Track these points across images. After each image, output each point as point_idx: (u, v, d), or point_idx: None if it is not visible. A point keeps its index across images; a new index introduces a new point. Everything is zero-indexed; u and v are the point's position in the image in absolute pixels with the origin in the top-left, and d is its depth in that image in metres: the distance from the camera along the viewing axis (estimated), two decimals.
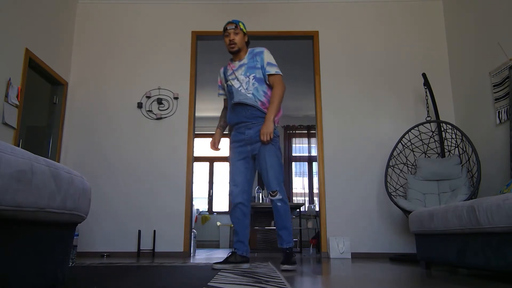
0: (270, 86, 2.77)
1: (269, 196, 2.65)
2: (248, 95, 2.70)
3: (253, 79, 2.73)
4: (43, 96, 4.51)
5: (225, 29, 2.82)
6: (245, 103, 2.70)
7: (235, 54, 2.84)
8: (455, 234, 2.21)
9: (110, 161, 4.32)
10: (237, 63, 2.83)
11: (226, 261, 2.65)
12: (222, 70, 2.95)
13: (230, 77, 2.82)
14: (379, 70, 4.54)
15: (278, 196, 2.62)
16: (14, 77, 3.51)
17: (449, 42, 4.53)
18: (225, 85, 2.87)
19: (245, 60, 2.80)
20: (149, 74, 4.55)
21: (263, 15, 4.68)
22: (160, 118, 4.43)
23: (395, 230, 4.16)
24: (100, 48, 4.61)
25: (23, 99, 3.66)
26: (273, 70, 2.74)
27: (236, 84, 2.76)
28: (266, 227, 5.38)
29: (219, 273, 2.23)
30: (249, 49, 2.86)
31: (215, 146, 2.92)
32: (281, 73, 2.75)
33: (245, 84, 2.72)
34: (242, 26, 2.83)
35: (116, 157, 4.33)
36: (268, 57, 2.78)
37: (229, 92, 2.83)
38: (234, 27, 2.79)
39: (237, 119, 2.75)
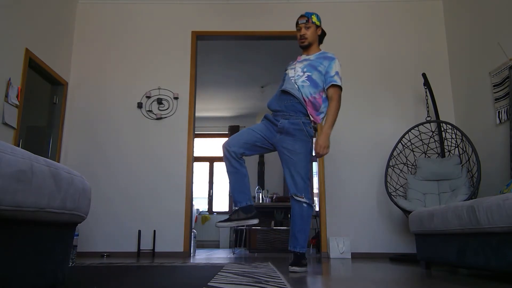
0: (323, 95, 2.66)
1: (294, 196, 2.53)
2: (296, 86, 2.63)
3: (306, 77, 2.64)
4: (43, 96, 4.51)
5: (296, 23, 2.77)
6: (290, 92, 2.63)
7: (305, 49, 2.78)
8: (455, 234, 2.21)
9: (110, 161, 4.32)
10: (303, 56, 2.78)
11: (229, 219, 2.52)
12: (290, 63, 2.86)
13: (290, 67, 2.78)
14: (379, 70, 4.54)
15: (305, 199, 2.52)
16: (14, 77, 3.51)
17: (449, 42, 4.53)
18: (284, 73, 2.81)
19: (311, 57, 2.73)
20: (149, 74, 4.55)
21: (263, 15, 4.68)
22: (160, 118, 4.42)
23: (395, 230, 4.16)
24: (100, 48, 4.61)
25: (23, 99, 3.66)
26: (339, 82, 2.64)
27: (291, 73, 2.71)
28: (266, 227, 5.38)
29: (219, 273, 2.23)
30: (322, 51, 2.78)
31: None
32: (342, 88, 2.66)
33: (297, 77, 2.66)
34: (315, 19, 2.76)
35: (116, 157, 4.33)
36: (337, 67, 2.67)
37: (282, 80, 2.77)
38: (305, 21, 2.73)
39: (278, 107, 2.66)
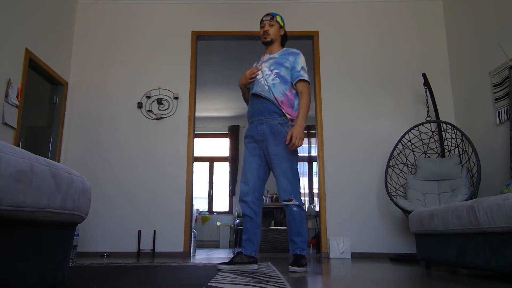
0: (293, 90, 2.69)
1: (284, 202, 2.56)
2: (266, 87, 2.64)
3: (275, 75, 2.65)
4: (43, 96, 4.51)
5: (261, 20, 2.80)
6: (260, 95, 2.64)
7: (267, 46, 2.80)
8: (455, 234, 2.21)
9: (110, 161, 4.32)
10: (267, 56, 2.80)
11: (231, 261, 2.56)
12: (255, 64, 2.89)
13: None
14: (379, 70, 4.54)
15: (295, 202, 2.53)
16: (14, 77, 3.51)
17: (449, 42, 4.53)
18: None
19: (275, 55, 2.75)
20: (149, 74, 4.55)
21: (263, 15, 4.67)
22: (160, 118, 4.43)
23: (395, 230, 4.16)
24: (100, 48, 4.61)
25: (23, 99, 3.66)
26: (306, 76, 2.68)
27: (259, 75, 2.72)
28: (266, 227, 5.38)
29: (219, 273, 2.23)
30: (285, 48, 2.82)
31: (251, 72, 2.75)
32: (309, 82, 2.70)
33: (266, 76, 2.67)
34: (279, 19, 2.80)
35: (116, 157, 4.33)
36: (302, 61, 2.72)
37: (251, 84, 2.78)
38: (269, 18, 2.77)
39: (252, 112, 2.69)
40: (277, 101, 2.61)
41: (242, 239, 2.66)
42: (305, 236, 2.56)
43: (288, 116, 2.63)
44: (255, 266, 2.59)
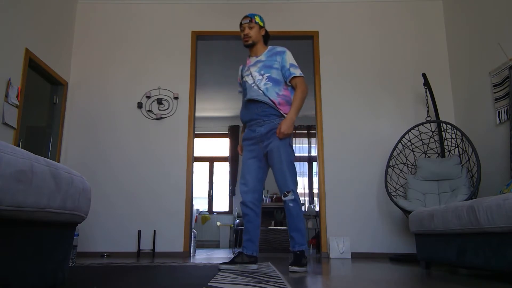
0: (290, 87, 2.72)
1: (282, 196, 2.60)
2: (260, 91, 2.65)
3: (266, 79, 2.67)
4: (43, 96, 4.51)
5: (240, 24, 2.79)
6: (257, 99, 2.65)
7: (251, 49, 2.80)
8: (455, 234, 2.21)
9: (110, 161, 4.32)
10: (253, 59, 2.79)
11: (232, 261, 2.58)
12: (241, 67, 2.91)
13: (245, 73, 2.78)
14: (379, 70, 4.54)
15: (290, 196, 2.56)
16: (14, 77, 3.51)
17: (449, 42, 4.53)
18: (241, 81, 2.84)
19: (262, 57, 2.75)
20: (149, 74, 4.55)
21: (263, 15, 4.68)
22: (160, 118, 4.43)
23: (395, 230, 4.16)
24: (100, 48, 4.61)
25: (23, 99, 3.66)
26: (297, 72, 2.68)
27: (249, 80, 2.72)
28: (266, 227, 5.38)
29: (219, 273, 2.23)
30: (269, 47, 2.81)
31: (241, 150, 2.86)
32: (303, 75, 2.71)
33: (258, 81, 2.68)
34: (258, 20, 2.79)
35: (116, 157, 4.33)
36: (290, 58, 2.72)
37: (243, 89, 2.80)
38: (248, 21, 2.76)
39: (249, 116, 2.70)
40: (274, 103, 2.64)
41: (243, 240, 2.69)
42: (303, 231, 2.58)
43: (283, 113, 2.66)
44: (255, 266, 2.61)
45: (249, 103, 2.71)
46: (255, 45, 2.79)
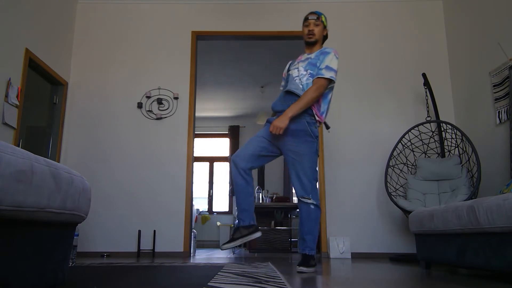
0: (328, 90, 2.65)
1: (301, 198, 2.52)
2: (300, 86, 2.61)
3: (308, 75, 2.62)
4: (43, 96, 4.51)
5: (306, 18, 2.75)
6: (295, 92, 2.60)
7: (308, 46, 2.75)
8: (455, 234, 2.21)
9: (110, 161, 4.32)
10: (305, 55, 2.76)
11: (232, 239, 2.51)
12: (289, 62, 2.85)
13: (293, 67, 2.75)
14: (379, 70, 4.54)
15: (313, 201, 2.51)
16: (14, 77, 3.51)
17: (449, 42, 4.53)
18: (286, 74, 2.80)
19: (312, 56, 2.71)
20: (149, 74, 4.55)
21: (263, 15, 4.68)
22: (160, 118, 4.42)
23: (395, 230, 4.16)
24: (100, 48, 4.61)
25: (23, 99, 3.66)
26: (327, 74, 2.55)
27: (294, 73, 2.69)
28: (266, 227, 5.38)
29: (219, 273, 2.23)
30: (323, 47, 2.75)
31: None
32: (333, 79, 2.58)
33: (301, 76, 2.64)
34: (323, 19, 2.76)
35: (116, 157, 4.33)
36: (329, 60, 2.60)
37: (286, 81, 2.76)
38: (316, 18, 2.72)
39: (282, 107, 2.62)
40: None
41: (238, 212, 2.59)
42: (315, 236, 2.54)
43: (316, 118, 2.60)
44: (258, 233, 2.53)
45: (287, 95, 2.66)
46: (316, 44, 2.75)
